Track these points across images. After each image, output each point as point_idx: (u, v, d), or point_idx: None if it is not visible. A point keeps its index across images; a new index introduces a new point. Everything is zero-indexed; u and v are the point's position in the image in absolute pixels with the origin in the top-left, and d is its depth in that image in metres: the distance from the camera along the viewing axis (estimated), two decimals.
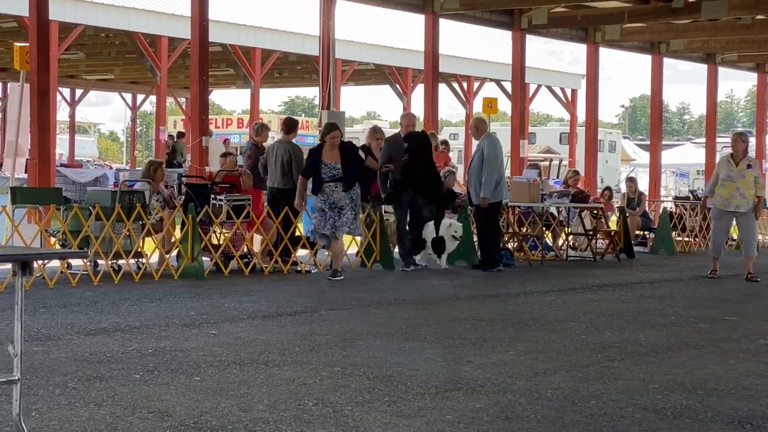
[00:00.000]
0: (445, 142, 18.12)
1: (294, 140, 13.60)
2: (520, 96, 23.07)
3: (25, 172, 16.58)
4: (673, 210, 20.56)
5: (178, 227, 12.50)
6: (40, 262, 10.27)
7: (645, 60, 26.61)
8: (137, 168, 28.60)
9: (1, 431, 4.88)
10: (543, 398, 5.88)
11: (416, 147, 13.33)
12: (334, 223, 11.97)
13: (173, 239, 12.43)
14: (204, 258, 12.25)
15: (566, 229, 17.20)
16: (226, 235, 12.77)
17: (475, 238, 14.58)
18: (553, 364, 6.98)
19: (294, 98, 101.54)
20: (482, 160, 13.53)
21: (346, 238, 12.90)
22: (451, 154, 44.90)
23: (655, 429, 5.27)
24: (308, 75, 35.31)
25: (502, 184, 13.74)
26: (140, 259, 11.88)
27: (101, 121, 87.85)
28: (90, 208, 11.67)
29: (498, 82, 35.40)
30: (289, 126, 13.64)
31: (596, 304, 10.56)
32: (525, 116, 25.86)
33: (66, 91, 38.46)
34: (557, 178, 31.09)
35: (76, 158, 37.93)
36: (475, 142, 14.97)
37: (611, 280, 13.16)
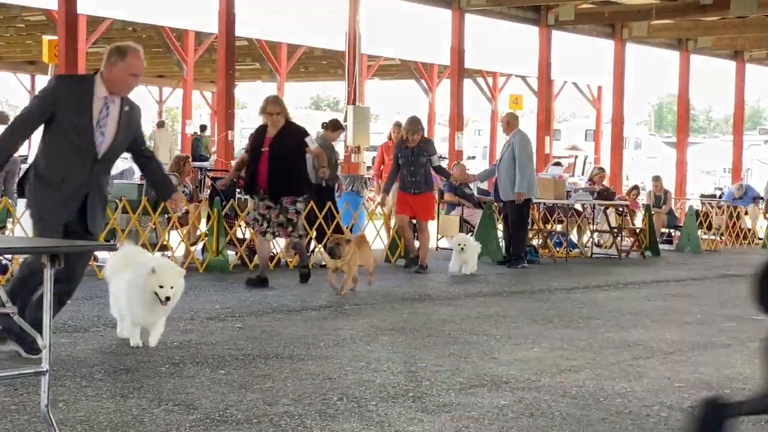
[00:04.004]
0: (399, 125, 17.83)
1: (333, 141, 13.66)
2: (546, 92, 23.00)
3: None
4: (699, 208, 20.46)
5: (203, 221, 12.55)
6: None
7: (673, 57, 26.48)
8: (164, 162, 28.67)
9: (29, 422, 4.92)
10: (568, 395, 5.86)
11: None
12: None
13: (198, 233, 12.49)
14: (229, 252, 12.29)
15: (590, 226, 17.15)
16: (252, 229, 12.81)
17: (500, 234, 14.57)
18: (578, 361, 6.96)
19: (318, 95, 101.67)
20: (512, 157, 13.56)
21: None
22: (475, 149, 44.62)
23: (681, 428, 5.24)
24: (334, 70, 35.35)
25: (532, 181, 13.73)
26: (165, 252, 11.94)
27: None
28: (116, 200, 11.73)
29: (524, 79, 35.29)
30: (333, 125, 13.66)
31: (621, 301, 10.52)
32: (550, 113, 25.80)
33: None
34: (582, 174, 31.00)
35: None
36: (498, 141, 14.90)
37: (636, 277, 13.10)
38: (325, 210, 12.80)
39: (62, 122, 6.25)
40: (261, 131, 10.69)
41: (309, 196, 11.20)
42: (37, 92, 7.13)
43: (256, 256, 11.54)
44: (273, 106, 10.59)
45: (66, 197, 6.32)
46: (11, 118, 8.58)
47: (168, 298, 6.72)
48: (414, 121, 12.85)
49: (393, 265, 13.31)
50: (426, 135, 13.16)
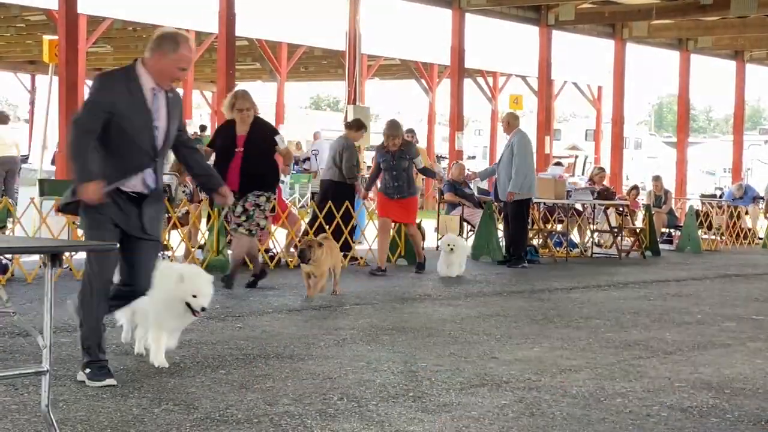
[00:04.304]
0: (411, 131, 17.99)
1: (356, 142, 13.71)
2: (546, 92, 23.01)
3: (52, 164, 16.69)
4: (700, 208, 20.47)
5: (203, 220, 12.56)
6: (67, 253, 10.33)
7: (673, 57, 26.50)
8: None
9: (29, 422, 4.93)
10: (568, 395, 5.86)
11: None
12: None
13: (202, 240, 12.49)
14: (229, 251, 12.27)
15: (591, 226, 17.15)
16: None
17: (500, 234, 14.57)
18: (578, 361, 6.97)
19: (318, 95, 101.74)
20: (512, 156, 13.58)
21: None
22: (475, 149, 44.60)
23: (681, 428, 5.25)
24: (334, 70, 35.34)
25: (530, 181, 13.73)
26: (166, 252, 11.93)
27: None
28: None
29: (524, 79, 35.30)
30: (356, 125, 13.69)
31: (621, 301, 10.52)
32: (550, 113, 25.81)
33: None
34: (582, 174, 31.02)
35: None
36: (499, 141, 14.90)
37: (637, 277, 13.10)
38: (325, 210, 12.80)
39: (119, 124, 5.62)
40: (229, 128, 10.30)
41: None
42: (85, 98, 6.29)
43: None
44: (243, 101, 10.16)
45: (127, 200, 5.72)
46: (11, 118, 8.55)
47: (204, 309, 6.11)
48: (393, 125, 12.58)
49: (393, 264, 13.31)
50: (408, 138, 13.01)
